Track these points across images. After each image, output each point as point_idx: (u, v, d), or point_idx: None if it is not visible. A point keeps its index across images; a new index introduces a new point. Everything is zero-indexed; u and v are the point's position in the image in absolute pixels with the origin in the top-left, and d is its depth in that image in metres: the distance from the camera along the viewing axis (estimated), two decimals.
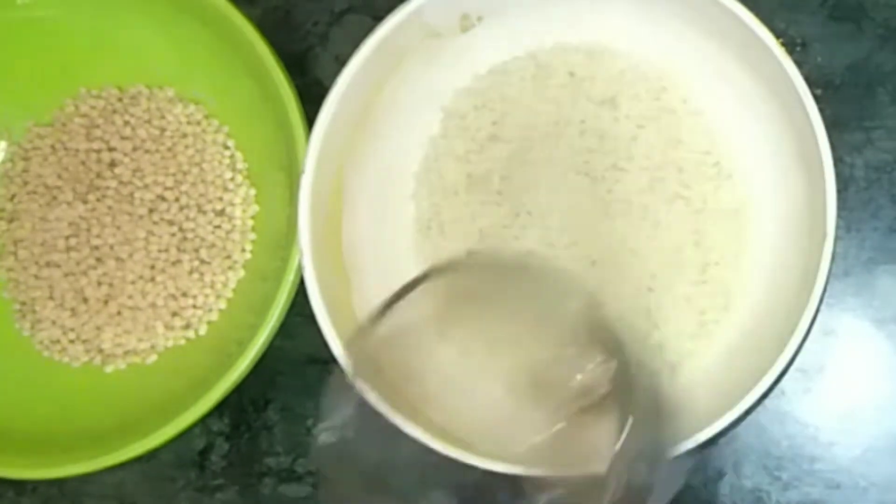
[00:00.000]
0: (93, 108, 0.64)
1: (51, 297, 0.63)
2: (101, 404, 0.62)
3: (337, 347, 0.54)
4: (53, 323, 0.63)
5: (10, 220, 0.64)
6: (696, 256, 0.58)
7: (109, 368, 0.62)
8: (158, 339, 0.62)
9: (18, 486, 0.63)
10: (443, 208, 0.60)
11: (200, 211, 0.63)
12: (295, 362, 0.62)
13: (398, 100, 0.59)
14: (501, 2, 0.59)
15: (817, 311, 0.52)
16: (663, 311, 0.58)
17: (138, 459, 0.58)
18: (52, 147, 0.64)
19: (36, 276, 0.63)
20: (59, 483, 0.62)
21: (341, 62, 0.56)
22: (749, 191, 0.59)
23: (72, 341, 0.62)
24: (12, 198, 0.64)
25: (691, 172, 0.59)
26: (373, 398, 0.54)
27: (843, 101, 0.61)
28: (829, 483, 0.59)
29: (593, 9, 0.59)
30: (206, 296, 0.62)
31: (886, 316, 0.60)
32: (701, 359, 0.58)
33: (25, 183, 0.64)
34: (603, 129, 0.60)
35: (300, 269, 0.55)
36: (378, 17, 0.57)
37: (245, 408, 0.63)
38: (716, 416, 0.52)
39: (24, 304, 0.63)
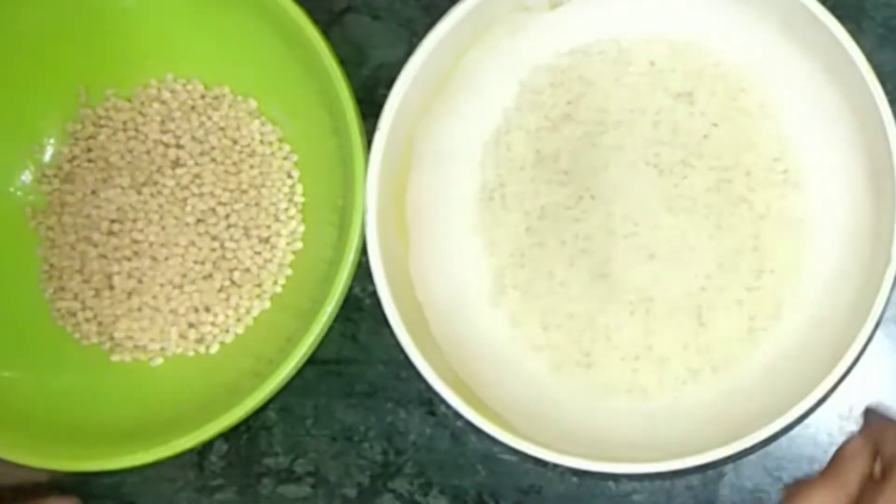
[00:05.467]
0: (174, 96, 0.63)
1: (80, 272, 0.62)
2: (102, 398, 0.61)
3: (391, 308, 0.55)
4: (75, 296, 0.62)
5: (63, 181, 0.63)
6: (753, 261, 0.59)
7: (115, 357, 0.62)
8: (170, 344, 0.62)
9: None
10: (507, 180, 0.60)
11: (246, 234, 0.62)
12: None
13: (477, 68, 0.59)
14: None
15: (871, 337, 0.52)
16: (713, 312, 0.58)
17: None
18: (125, 124, 0.63)
19: (72, 247, 0.62)
20: (57, 483, 0.62)
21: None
22: (814, 203, 0.59)
23: (87, 319, 0.62)
24: (72, 160, 0.63)
25: (759, 177, 0.59)
26: (417, 358, 0.54)
27: None
28: None
29: (684, 2, 0.59)
30: (227, 317, 0.62)
31: (886, 316, 0.59)
32: (746, 365, 0.58)
33: (89, 150, 0.63)
34: (677, 122, 0.60)
35: (331, 316, 0.56)
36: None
37: None
38: (754, 428, 0.52)
39: (52, 266, 0.63)
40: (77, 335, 0.62)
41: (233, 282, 0.62)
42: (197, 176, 0.62)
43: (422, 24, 0.61)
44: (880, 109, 0.54)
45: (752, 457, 0.59)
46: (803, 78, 0.58)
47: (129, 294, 0.62)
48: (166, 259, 0.62)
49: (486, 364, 0.58)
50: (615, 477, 0.59)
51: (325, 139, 0.60)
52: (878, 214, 0.55)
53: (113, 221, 0.62)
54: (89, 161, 0.63)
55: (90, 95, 0.64)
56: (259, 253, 0.62)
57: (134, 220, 0.62)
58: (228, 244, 0.62)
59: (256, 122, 0.63)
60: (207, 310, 0.62)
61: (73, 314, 0.62)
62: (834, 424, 0.60)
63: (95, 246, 0.62)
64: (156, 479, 0.62)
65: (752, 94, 0.60)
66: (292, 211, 0.62)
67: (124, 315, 0.62)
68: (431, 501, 0.61)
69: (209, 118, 0.63)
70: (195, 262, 0.62)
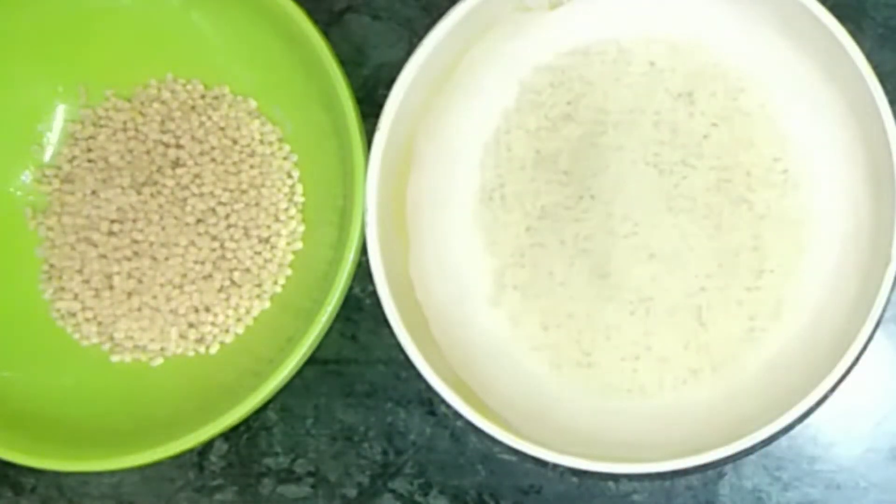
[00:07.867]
0: (174, 96, 0.63)
1: (80, 272, 0.62)
2: (102, 398, 0.61)
3: (391, 308, 0.55)
4: (76, 297, 0.62)
5: (63, 181, 0.63)
6: (752, 261, 0.59)
7: (115, 358, 0.62)
8: (170, 344, 0.61)
9: (17, 485, 0.63)
10: (507, 181, 0.60)
11: (246, 234, 0.62)
12: None
13: (478, 68, 0.59)
14: None
15: (871, 337, 0.52)
16: (713, 312, 0.59)
17: None
18: (125, 124, 0.63)
19: (72, 247, 0.62)
20: (57, 483, 0.62)
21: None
22: (814, 203, 0.59)
23: (87, 320, 0.62)
24: (72, 160, 0.63)
25: (759, 177, 0.59)
26: (417, 358, 0.54)
27: None
28: (829, 483, 0.59)
29: (684, 2, 0.59)
30: (227, 317, 0.61)
31: (886, 316, 0.59)
32: (745, 365, 0.58)
33: (89, 150, 0.63)
34: (677, 122, 0.60)
35: (331, 315, 0.56)
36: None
37: None
38: (754, 428, 0.52)
39: (52, 267, 0.63)
40: (77, 335, 0.62)
41: (233, 282, 0.62)
42: (197, 176, 0.62)
43: (422, 24, 0.61)
44: (880, 109, 0.54)
45: (752, 457, 0.59)
46: (803, 78, 0.58)
47: (129, 294, 0.62)
48: (166, 259, 0.62)
49: (486, 364, 0.58)
50: (615, 477, 0.59)
51: (325, 139, 0.60)
52: (878, 214, 0.55)
53: (113, 221, 0.62)
54: (89, 161, 0.63)
55: (90, 95, 0.64)
56: (259, 253, 0.62)
57: (134, 220, 0.62)
58: (228, 244, 0.62)
59: (256, 122, 0.63)
60: (207, 310, 0.61)
61: (73, 314, 0.62)
62: (834, 425, 0.60)
63: (95, 246, 0.62)
64: (156, 479, 0.62)
65: (753, 94, 0.60)
66: (292, 211, 0.62)
67: (124, 315, 0.62)
68: (431, 501, 0.61)
69: (209, 118, 0.63)
70: (195, 262, 0.62)
